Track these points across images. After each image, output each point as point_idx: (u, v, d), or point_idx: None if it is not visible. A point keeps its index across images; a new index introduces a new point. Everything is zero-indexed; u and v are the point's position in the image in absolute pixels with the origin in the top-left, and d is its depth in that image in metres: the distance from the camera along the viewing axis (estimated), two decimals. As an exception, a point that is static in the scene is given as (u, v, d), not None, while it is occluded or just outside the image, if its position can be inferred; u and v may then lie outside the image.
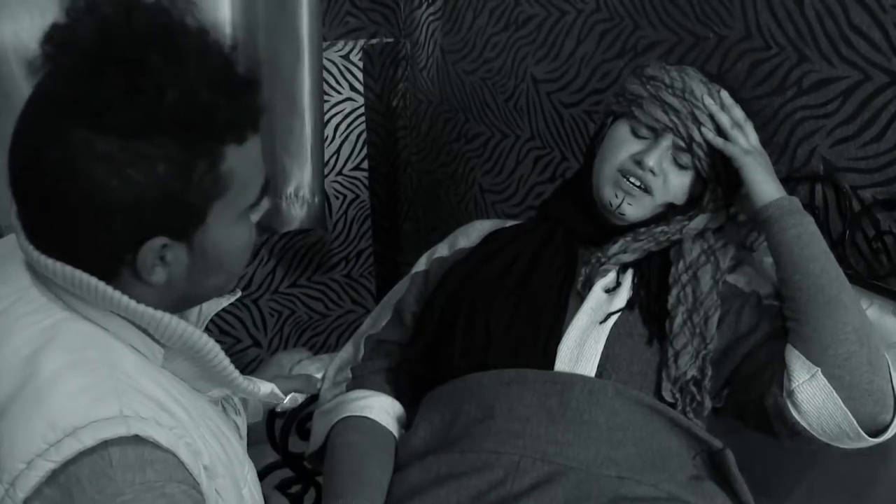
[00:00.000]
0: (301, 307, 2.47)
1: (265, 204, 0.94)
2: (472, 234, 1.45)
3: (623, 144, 1.27)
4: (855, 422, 1.10)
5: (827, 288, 1.14)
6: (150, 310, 0.86)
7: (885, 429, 1.11)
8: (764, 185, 1.20)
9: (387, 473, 1.22)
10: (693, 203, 1.29)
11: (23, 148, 0.83)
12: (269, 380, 1.35)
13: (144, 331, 0.88)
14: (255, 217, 0.94)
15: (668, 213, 1.29)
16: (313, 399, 1.44)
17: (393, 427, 1.29)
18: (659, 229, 1.28)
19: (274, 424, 1.48)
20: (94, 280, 0.84)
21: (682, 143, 1.24)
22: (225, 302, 1.03)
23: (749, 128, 1.25)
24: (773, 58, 1.39)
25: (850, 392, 1.11)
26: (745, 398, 1.19)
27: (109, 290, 0.84)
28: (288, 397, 1.42)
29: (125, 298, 0.85)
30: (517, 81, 2.00)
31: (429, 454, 1.19)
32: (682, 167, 1.26)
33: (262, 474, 1.51)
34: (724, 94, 1.25)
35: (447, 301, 1.32)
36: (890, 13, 1.22)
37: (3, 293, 0.89)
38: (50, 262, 0.84)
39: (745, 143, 1.22)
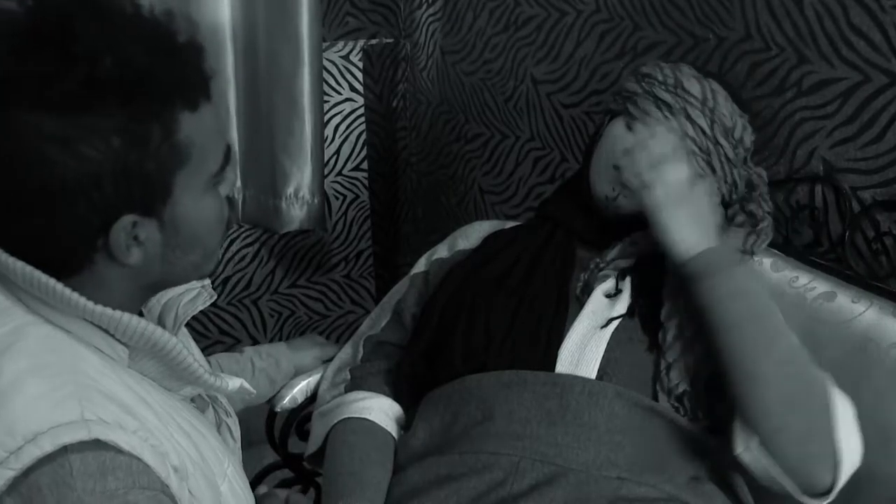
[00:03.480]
0: (301, 308, 2.47)
1: (231, 177, 0.93)
2: (471, 235, 1.46)
3: (618, 140, 1.28)
4: (796, 488, 1.08)
5: (744, 362, 1.08)
6: (109, 310, 0.84)
7: (831, 490, 1.07)
8: (677, 236, 1.11)
9: (386, 475, 1.22)
10: None
11: None
12: (299, 348, 1.42)
13: (107, 331, 0.87)
14: (224, 190, 0.93)
15: None
16: (312, 399, 1.44)
17: (392, 428, 1.29)
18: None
19: (273, 425, 1.48)
20: (52, 281, 0.82)
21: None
22: (201, 305, 1.01)
23: (678, 161, 1.16)
24: (772, 59, 1.39)
25: (784, 463, 1.08)
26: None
27: (67, 291, 0.83)
28: (287, 398, 1.43)
29: (82, 300, 0.83)
30: (517, 82, 2.00)
31: (428, 455, 1.19)
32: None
33: (262, 475, 1.51)
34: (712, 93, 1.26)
35: (447, 303, 1.32)
36: (890, 14, 1.22)
37: None
38: (10, 261, 0.82)
39: (659, 191, 1.13)
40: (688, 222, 1.11)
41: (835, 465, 1.06)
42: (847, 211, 1.32)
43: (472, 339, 1.25)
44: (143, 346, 0.88)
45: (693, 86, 1.26)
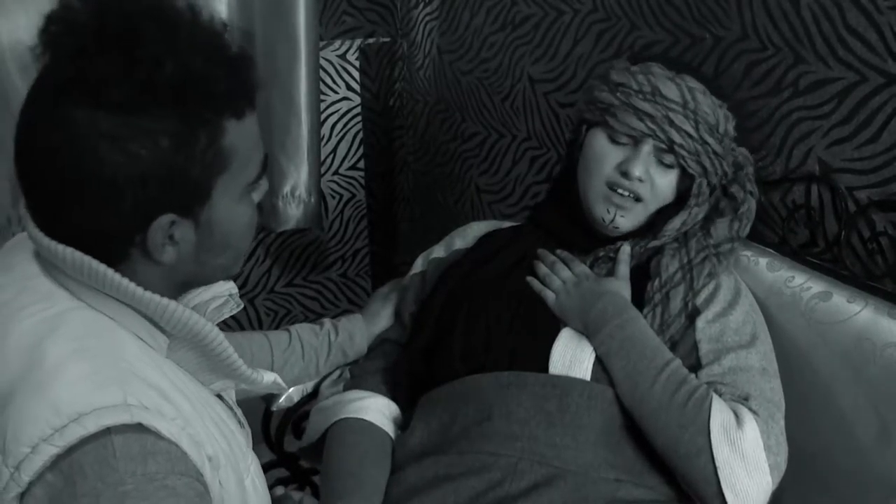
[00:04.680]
0: (297, 307, 2.47)
1: (264, 185, 0.96)
2: (468, 235, 1.46)
3: (605, 156, 1.27)
4: None
5: (632, 407, 1.16)
6: (157, 297, 0.86)
7: None
8: (573, 324, 1.23)
9: (384, 474, 1.22)
10: (681, 199, 1.29)
11: (28, 134, 0.84)
12: (374, 314, 1.42)
13: (150, 319, 0.89)
14: (257, 197, 0.95)
15: (661, 214, 1.29)
16: (308, 398, 1.44)
17: (389, 428, 1.29)
18: (638, 244, 1.30)
19: (269, 423, 1.48)
20: (102, 266, 0.84)
21: (663, 146, 1.24)
22: (227, 313, 1.04)
23: (576, 263, 1.28)
24: (769, 59, 1.39)
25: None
26: None
27: (117, 276, 0.85)
28: (283, 396, 1.43)
29: (132, 285, 0.85)
30: (514, 81, 2.00)
31: (427, 455, 1.19)
32: (666, 167, 1.26)
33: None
34: (692, 83, 1.25)
35: (445, 303, 1.32)
36: (886, 14, 1.22)
37: (6, 282, 0.90)
38: (60, 247, 0.85)
39: (561, 293, 1.26)
40: (573, 313, 1.24)
41: (724, 503, 1.10)
42: (843, 211, 1.32)
43: (471, 339, 1.25)
44: (186, 335, 0.89)
45: (670, 90, 1.23)
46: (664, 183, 1.26)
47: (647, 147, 1.24)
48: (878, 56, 1.24)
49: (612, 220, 1.27)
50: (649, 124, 1.23)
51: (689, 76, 1.26)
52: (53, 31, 0.82)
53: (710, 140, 1.25)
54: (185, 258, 0.89)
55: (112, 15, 0.81)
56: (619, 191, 1.25)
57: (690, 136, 1.24)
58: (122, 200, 0.82)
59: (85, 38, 0.80)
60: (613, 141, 1.26)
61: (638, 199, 1.26)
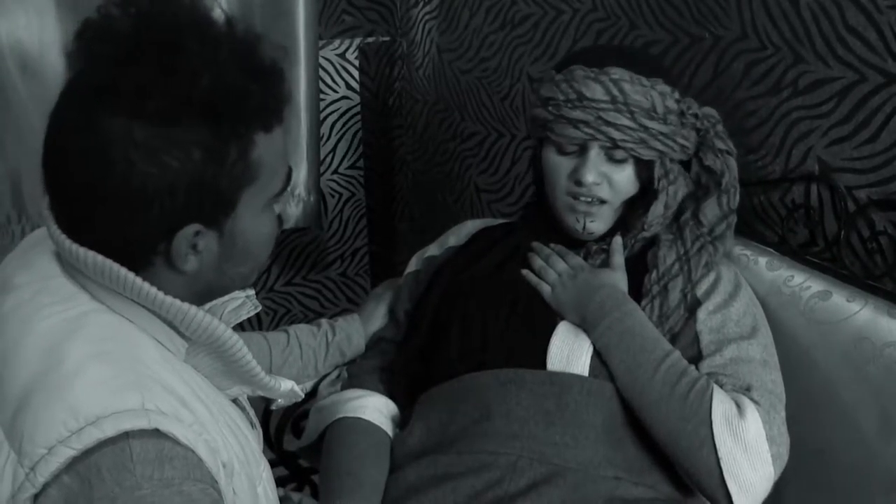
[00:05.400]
0: (296, 305, 2.47)
1: (286, 195, 0.95)
2: (462, 233, 1.46)
3: (558, 168, 1.27)
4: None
5: (632, 400, 1.16)
6: (178, 302, 0.87)
7: None
8: (570, 318, 1.24)
9: (383, 474, 1.22)
10: (648, 186, 1.28)
11: (59, 139, 0.84)
12: (370, 314, 1.42)
13: (170, 324, 0.89)
14: (279, 208, 0.95)
15: (634, 206, 1.29)
16: (309, 397, 1.44)
17: (387, 427, 1.29)
18: (629, 236, 1.29)
19: (269, 422, 1.48)
20: (123, 270, 0.84)
21: (608, 145, 1.23)
22: (245, 314, 1.04)
23: (571, 256, 1.29)
24: (768, 58, 1.39)
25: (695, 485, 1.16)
26: None
27: (139, 281, 0.85)
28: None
29: (153, 290, 0.85)
30: (513, 81, 2.00)
31: (426, 454, 1.19)
32: (619, 162, 1.25)
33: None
34: (614, 75, 1.22)
35: (440, 300, 1.32)
36: (885, 14, 1.22)
37: (25, 281, 0.90)
38: (82, 251, 0.85)
39: (557, 286, 1.26)
40: (569, 306, 1.25)
41: (727, 493, 1.10)
42: (842, 210, 1.32)
43: (468, 337, 1.25)
44: (206, 340, 0.90)
45: (594, 90, 1.22)
46: (622, 178, 1.26)
47: (594, 150, 1.24)
48: (877, 55, 1.24)
49: (584, 227, 1.28)
50: (585, 130, 1.23)
51: (612, 67, 1.23)
52: (90, 37, 0.82)
53: (651, 124, 1.23)
54: (206, 268, 0.89)
55: (151, 25, 0.82)
56: (581, 198, 1.26)
57: (630, 127, 1.22)
58: (150, 210, 0.82)
59: (123, 47, 0.80)
60: (562, 152, 1.27)
61: (602, 202, 1.26)
